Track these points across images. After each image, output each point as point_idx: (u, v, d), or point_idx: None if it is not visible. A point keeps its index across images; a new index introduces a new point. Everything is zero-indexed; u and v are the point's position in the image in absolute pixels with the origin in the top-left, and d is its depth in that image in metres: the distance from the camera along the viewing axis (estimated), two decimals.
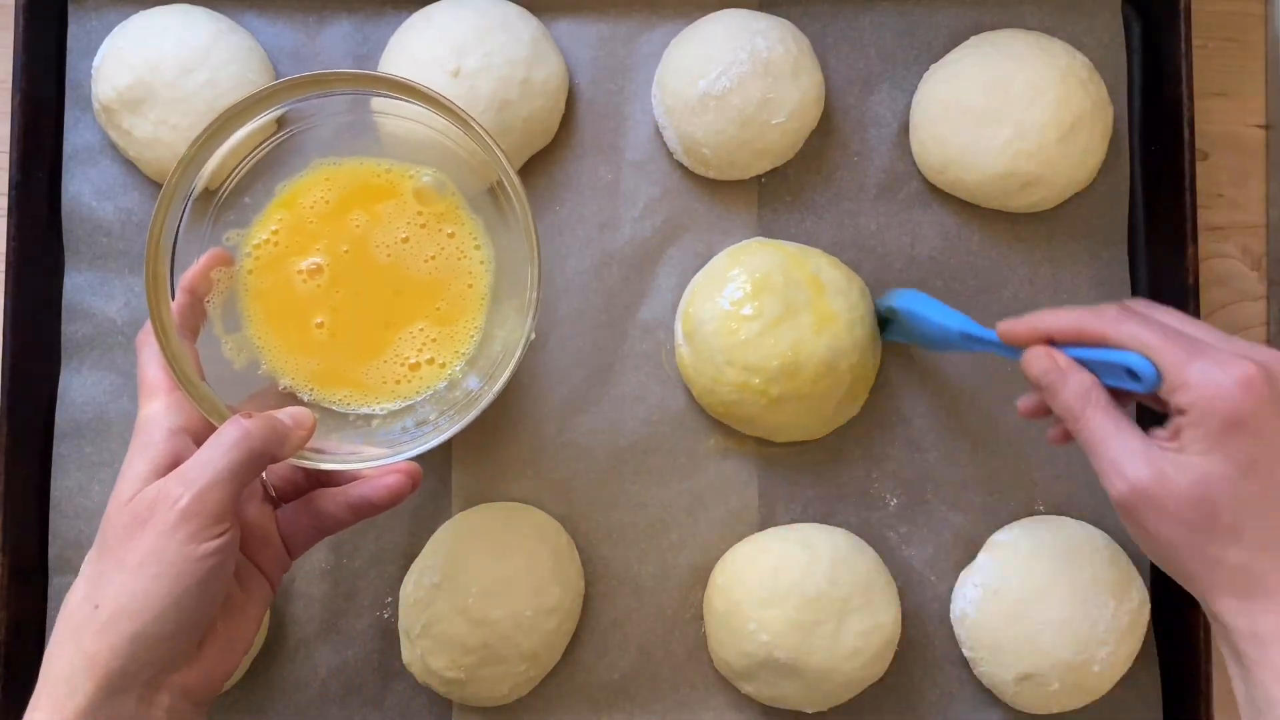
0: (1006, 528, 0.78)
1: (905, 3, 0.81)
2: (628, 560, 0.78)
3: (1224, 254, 0.83)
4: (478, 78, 0.76)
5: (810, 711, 0.77)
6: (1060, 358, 0.63)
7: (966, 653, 0.77)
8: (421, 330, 0.67)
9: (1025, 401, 0.69)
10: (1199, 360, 0.58)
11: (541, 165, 0.80)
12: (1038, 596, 0.74)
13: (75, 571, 0.77)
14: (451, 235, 0.68)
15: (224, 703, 0.77)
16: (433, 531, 0.78)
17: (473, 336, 0.68)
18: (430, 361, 0.67)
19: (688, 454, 0.79)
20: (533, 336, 0.64)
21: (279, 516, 0.64)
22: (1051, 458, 0.79)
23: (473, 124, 0.63)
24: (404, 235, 0.67)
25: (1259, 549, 0.57)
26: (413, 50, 0.77)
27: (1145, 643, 0.77)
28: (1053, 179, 0.78)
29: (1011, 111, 0.77)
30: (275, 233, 0.67)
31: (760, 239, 0.79)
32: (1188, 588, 0.60)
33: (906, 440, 0.79)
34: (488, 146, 0.64)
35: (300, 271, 0.66)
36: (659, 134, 0.80)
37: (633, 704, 0.78)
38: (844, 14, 0.81)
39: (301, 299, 0.66)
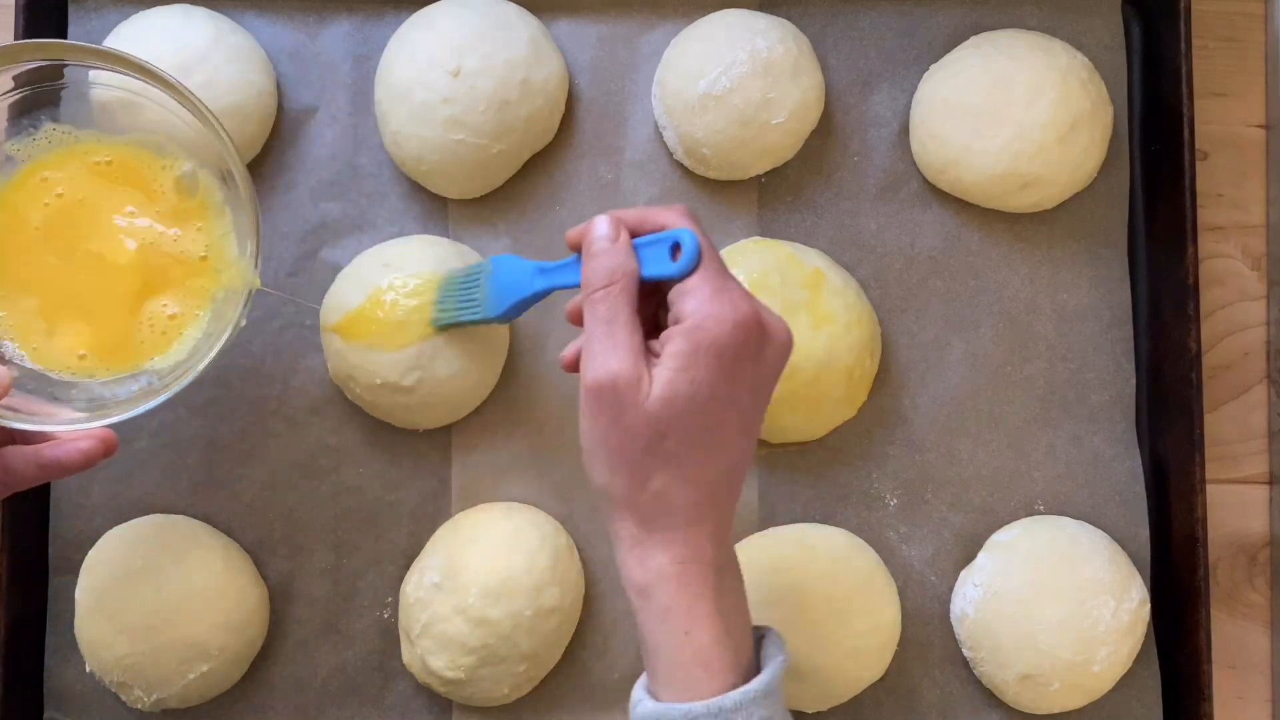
0: (1006, 528, 0.78)
1: (905, 3, 0.81)
2: None
3: (1224, 254, 0.83)
4: (478, 78, 0.76)
5: (810, 711, 0.77)
6: (621, 234, 0.61)
7: (966, 653, 0.77)
8: (146, 306, 0.68)
9: (568, 351, 0.67)
10: (718, 283, 0.58)
11: (541, 165, 0.80)
12: (1038, 596, 0.74)
13: (75, 571, 0.77)
14: (186, 210, 0.69)
15: (224, 702, 0.77)
16: (433, 531, 0.78)
17: (197, 315, 0.69)
18: (144, 339, 0.68)
19: None
20: (243, 324, 0.66)
21: None
22: (1051, 458, 0.79)
23: (193, 100, 0.65)
24: (136, 209, 0.68)
25: (687, 482, 0.58)
26: (413, 50, 0.77)
27: (1145, 643, 0.77)
28: (1053, 179, 0.78)
29: (1011, 111, 0.77)
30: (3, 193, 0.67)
31: (758, 238, 0.79)
32: (598, 498, 0.60)
33: (906, 440, 0.79)
34: (208, 121, 0.65)
35: (23, 233, 0.67)
36: (659, 134, 0.80)
37: None
38: (844, 14, 0.81)
39: (22, 260, 0.67)
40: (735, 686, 0.57)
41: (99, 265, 0.68)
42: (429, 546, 0.77)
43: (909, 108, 0.81)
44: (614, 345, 0.58)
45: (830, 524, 0.78)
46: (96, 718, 0.78)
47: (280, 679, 0.78)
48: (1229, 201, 0.83)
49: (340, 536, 0.79)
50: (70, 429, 0.65)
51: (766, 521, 0.79)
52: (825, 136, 0.81)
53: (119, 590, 0.74)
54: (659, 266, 0.59)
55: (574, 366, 0.66)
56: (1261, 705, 0.81)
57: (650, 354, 0.58)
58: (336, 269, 0.79)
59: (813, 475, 0.79)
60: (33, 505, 0.78)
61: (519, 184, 0.80)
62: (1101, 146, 0.79)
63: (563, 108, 0.80)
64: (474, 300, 0.71)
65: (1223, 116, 0.84)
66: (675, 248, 0.59)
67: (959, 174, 0.78)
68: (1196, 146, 0.78)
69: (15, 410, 0.64)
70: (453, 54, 0.76)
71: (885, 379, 0.80)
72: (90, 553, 0.77)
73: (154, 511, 0.78)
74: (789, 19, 0.80)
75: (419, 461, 0.79)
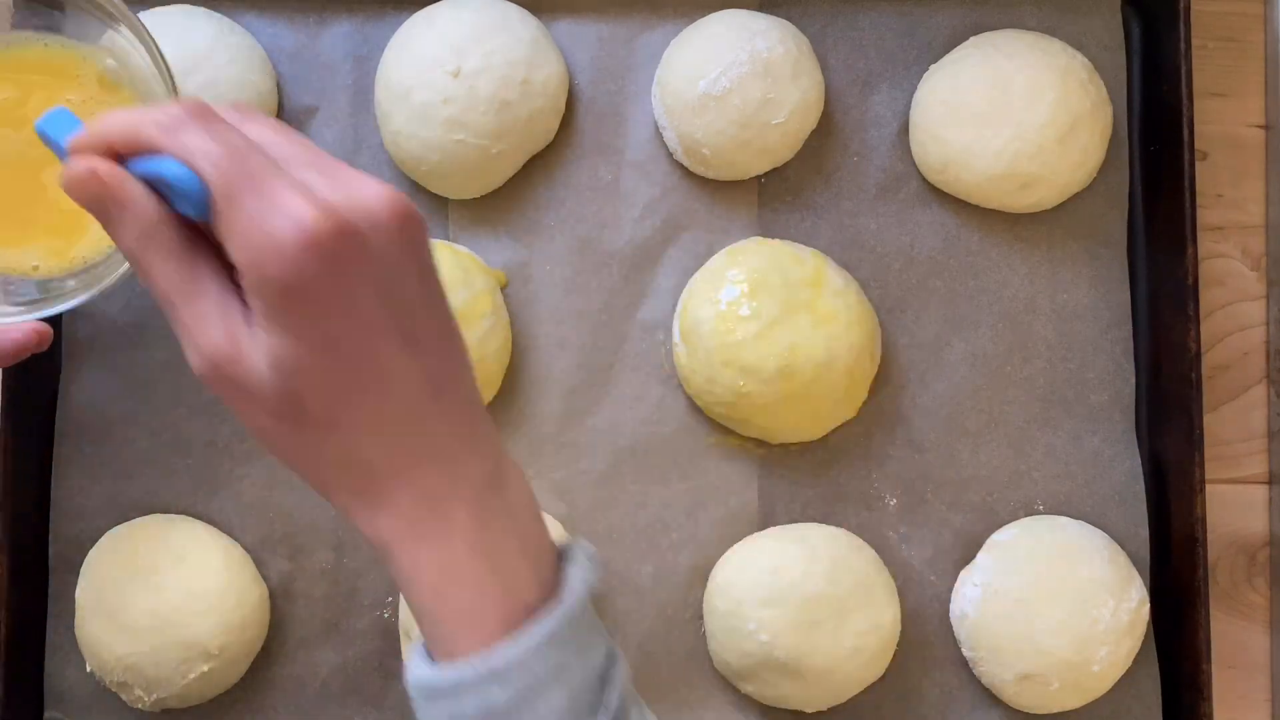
0: (1006, 528, 0.78)
1: (905, 3, 0.81)
2: (628, 560, 0.78)
3: (1224, 254, 0.83)
4: (478, 78, 0.76)
5: (810, 711, 0.77)
6: (115, 175, 0.46)
7: (966, 653, 0.77)
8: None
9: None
10: (255, 198, 0.43)
11: (541, 165, 0.80)
12: (1038, 596, 0.74)
13: (75, 571, 0.77)
14: (114, 105, 0.68)
15: (224, 702, 0.77)
16: None
17: None
18: (74, 236, 0.68)
19: (687, 454, 0.79)
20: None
21: None
22: (1051, 458, 0.79)
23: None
24: (72, 103, 0.67)
25: (363, 434, 0.47)
26: (413, 50, 0.77)
27: (1145, 643, 0.77)
28: (1053, 179, 0.78)
29: (1011, 111, 0.77)
30: None
31: (758, 238, 0.79)
32: (309, 485, 0.49)
33: (906, 440, 0.79)
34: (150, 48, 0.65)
35: None
36: (659, 134, 0.80)
37: None
38: (844, 14, 0.81)
39: None
40: (513, 632, 0.47)
41: (27, 166, 0.67)
42: None
43: (909, 108, 0.81)
44: (191, 319, 0.46)
45: (830, 524, 0.78)
46: (96, 718, 0.78)
47: (280, 679, 0.78)
48: (1229, 201, 0.83)
49: (340, 536, 0.79)
50: (3, 322, 0.66)
51: (766, 521, 0.79)
52: (825, 136, 0.81)
53: (119, 590, 0.74)
54: (182, 203, 0.46)
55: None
56: (1261, 705, 0.81)
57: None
58: None
59: (813, 475, 0.79)
60: (33, 505, 0.78)
61: (519, 184, 0.80)
62: (1101, 146, 0.79)
63: (563, 108, 0.80)
64: None
65: (1223, 116, 0.84)
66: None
67: (959, 174, 0.78)
68: (1196, 146, 0.78)
69: None
70: (453, 54, 0.76)
71: (885, 379, 0.80)
72: (90, 553, 0.77)
73: (154, 511, 0.78)
74: (789, 19, 0.80)
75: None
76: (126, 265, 0.65)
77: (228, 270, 0.46)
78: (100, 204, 0.46)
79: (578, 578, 0.50)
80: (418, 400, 0.47)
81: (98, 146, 0.46)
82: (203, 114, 0.46)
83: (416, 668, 0.49)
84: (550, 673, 0.47)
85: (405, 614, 0.76)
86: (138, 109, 0.47)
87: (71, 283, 0.68)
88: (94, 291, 0.66)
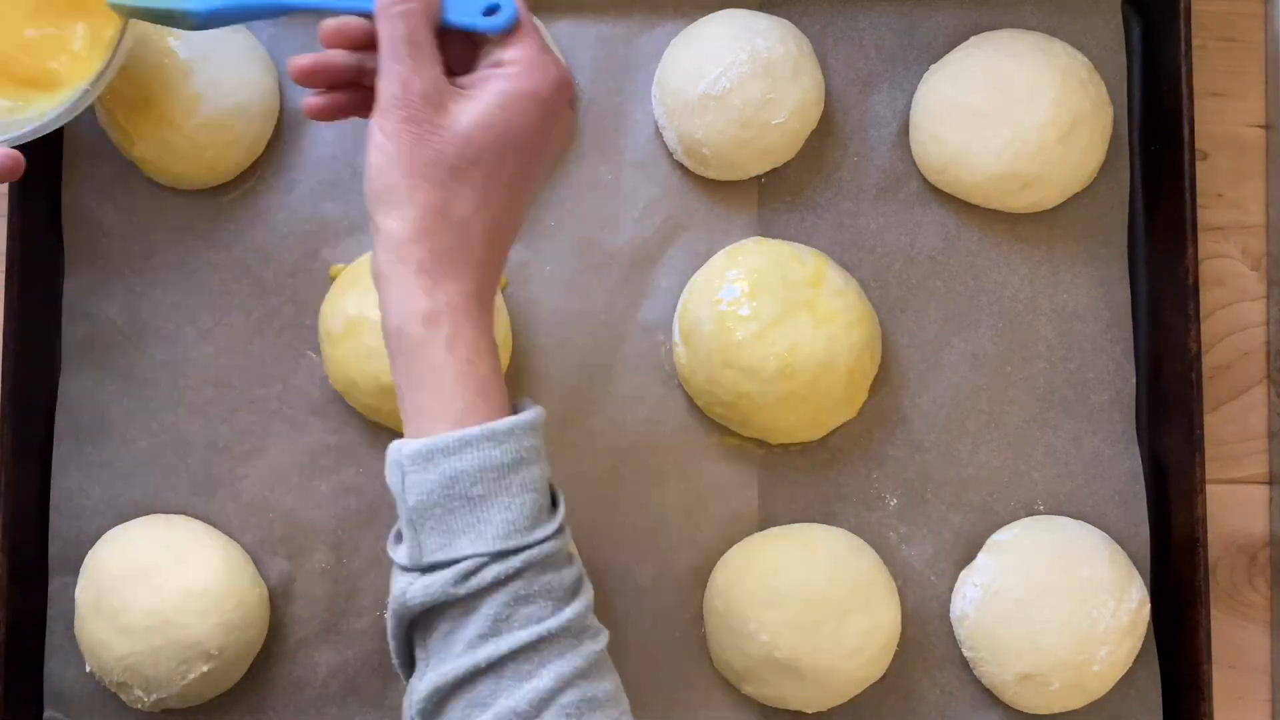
0: (1006, 528, 0.78)
1: (905, 3, 0.81)
2: (627, 561, 0.78)
3: (1224, 254, 0.83)
4: None
5: (810, 711, 0.77)
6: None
7: (966, 653, 0.77)
8: (55, 35, 0.70)
9: (315, 99, 0.64)
10: (542, 43, 0.59)
11: None
12: (1038, 596, 0.74)
13: (75, 572, 0.77)
14: None
15: (224, 702, 0.77)
16: None
17: (106, 51, 0.70)
18: (56, 70, 0.70)
19: (688, 454, 0.79)
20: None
21: None
22: (1051, 458, 0.79)
23: None
24: None
25: (480, 213, 0.58)
26: None
27: (1145, 643, 0.77)
28: (1053, 179, 0.78)
29: (1011, 111, 0.77)
30: None
31: (758, 238, 0.79)
32: (385, 230, 0.58)
33: (906, 440, 0.79)
34: None
35: None
36: (659, 134, 0.80)
37: (633, 704, 0.78)
38: (844, 14, 0.81)
39: None
40: (507, 416, 0.57)
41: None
42: None
43: (909, 108, 0.81)
44: (420, 60, 0.57)
45: (830, 524, 0.78)
46: (96, 718, 0.78)
47: (280, 679, 0.78)
48: (1229, 201, 0.83)
49: (340, 536, 0.79)
50: None
51: (766, 521, 0.79)
52: (825, 136, 0.81)
53: (119, 590, 0.74)
54: (466, 15, 0.58)
55: (320, 112, 0.64)
56: (1261, 705, 0.81)
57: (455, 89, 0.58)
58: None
59: (813, 475, 0.79)
60: (33, 505, 0.78)
61: None
62: (1101, 146, 0.79)
63: None
64: None
65: (1223, 116, 0.84)
66: (491, 10, 0.58)
67: (959, 174, 0.78)
68: (1196, 146, 0.78)
69: None
70: None
71: (885, 379, 0.80)
72: (90, 553, 0.77)
73: (154, 511, 0.78)
74: (789, 19, 0.80)
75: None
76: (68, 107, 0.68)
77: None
78: None
79: (535, 407, 0.59)
80: (513, 225, 0.60)
81: None
82: None
83: (407, 447, 0.56)
84: (534, 451, 0.57)
85: None
86: None
87: (31, 128, 0.69)
88: (55, 115, 0.68)
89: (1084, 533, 0.77)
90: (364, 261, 0.78)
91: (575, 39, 0.81)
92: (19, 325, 0.77)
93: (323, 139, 0.80)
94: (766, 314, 0.75)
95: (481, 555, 0.55)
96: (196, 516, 0.78)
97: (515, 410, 0.59)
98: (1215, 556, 0.80)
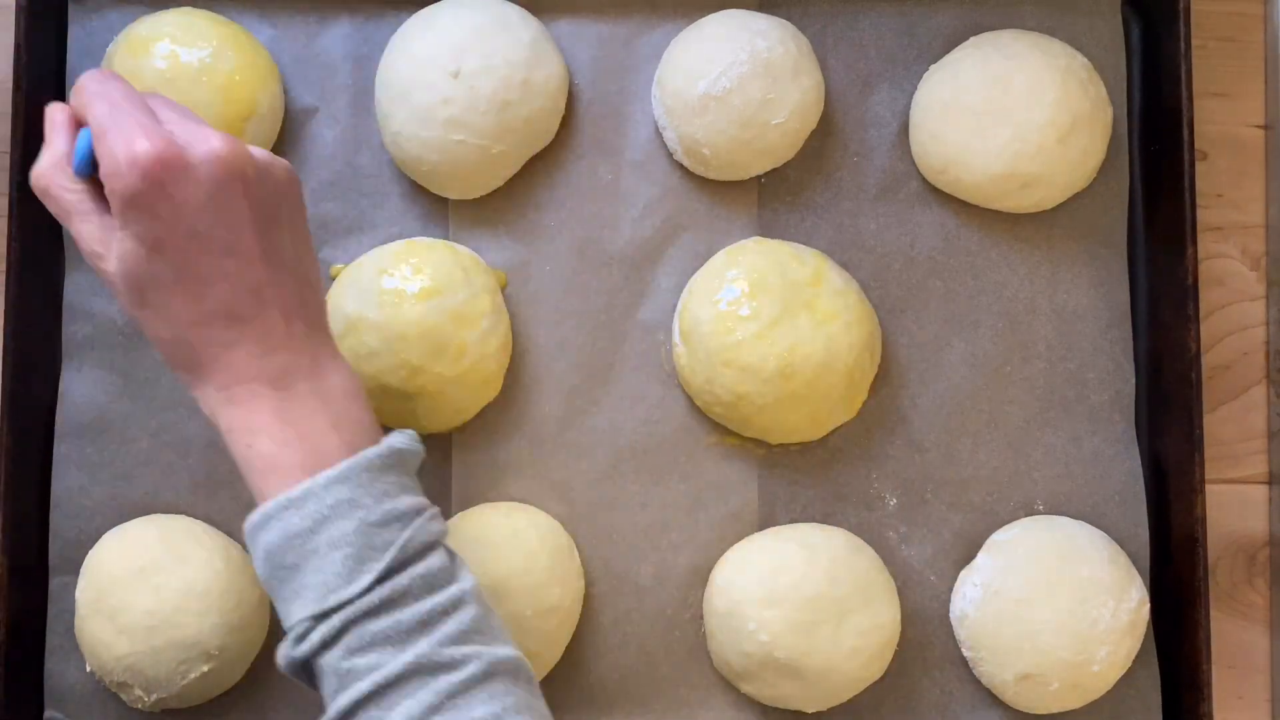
0: (1006, 528, 0.78)
1: (905, 3, 0.81)
2: (628, 560, 0.78)
3: (1224, 254, 0.83)
4: (478, 78, 0.76)
5: (810, 711, 0.77)
6: (60, 115, 0.63)
7: (966, 653, 0.77)
8: None
9: None
10: (111, 135, 0.58)
11: (541, 165, 0.80)
12: (1038, 596, 0.74)
13: (75, 572, 0.77)
14: None
15: (224, 702, 0.77)
16: None
17: None
18: None
19: (687, 454, 0.79)
20: None
21: None
22: (1051, 458, 0.79)
23: None
24: None
25: (186, 322, 0.60)
26: (413, 51, 0.77)
27: (1145, 643, 0.77)
28: (1053, 179, 0.78)
29: (1011, 111, 0.77)
30: None
31: (758, 238, 0.79)
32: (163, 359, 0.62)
33: (906, 440, 0.79)
34: None
35: None
36: (659, 134, 0.80)
37: (633, 704, 0.78)
38: (844, 14, 0.81)
39: None
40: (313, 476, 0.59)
41: None
42: None
43: (909, 108, 0.81)
44: (82, 228, 0.61)
45: (830, 524, 0.78)
46: (96, 718, 0.78)
47: (280, 679, 0.78)
48: (1229, 201, 0.83)
49: None
50: None
51: (766, 521, 0.79)
52: (825, 136, 0.81)
53: (119, 590, 0.74)
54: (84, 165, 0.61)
55: None
56: (1261, 705, 0.81)
57: None
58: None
59: (813, 475, 0.79)
60: (33, 505, 0.78)
61: (519, 184, 0.80)
62: (1101, 146, 0.79)
63: (563, 108, 0.80)
64: None
65: (1223, 116, 0.84)
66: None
67: (959, 174, 0.78)
68: (1196, 146, 0.78)
69: None
70: (453, 55, 0.76)
71: (885, 379, 0.80)
72: (90, 553, 0.77)
73: (154, 511, 0.78)
74: (789, 19, 0.80)
75: None
76: None
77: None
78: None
79: (388, 442, 0.61)
80: (235, 300, 0.60)
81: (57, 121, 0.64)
82: (102, 79, 0.61)
83: (247, 523, 0.60)
84: (341, 505, 0.58)
85: None
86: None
87: None
88: None
89: (1084, 533, 0.77)
90: (364, 261, 0.78)
91: (575, 39, 0.81)
92: (19, 325, 0.77)
93: (323, 139, 0.81)
94: (766, 314, 0.75)
95: (305, 619, 0.58)
96: (196, 516, 0.78)
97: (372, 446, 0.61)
98: (1215, 556, 0.80)
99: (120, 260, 0.59)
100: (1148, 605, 0.76)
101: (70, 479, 0.79)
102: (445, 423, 0.78)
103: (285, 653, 0.59)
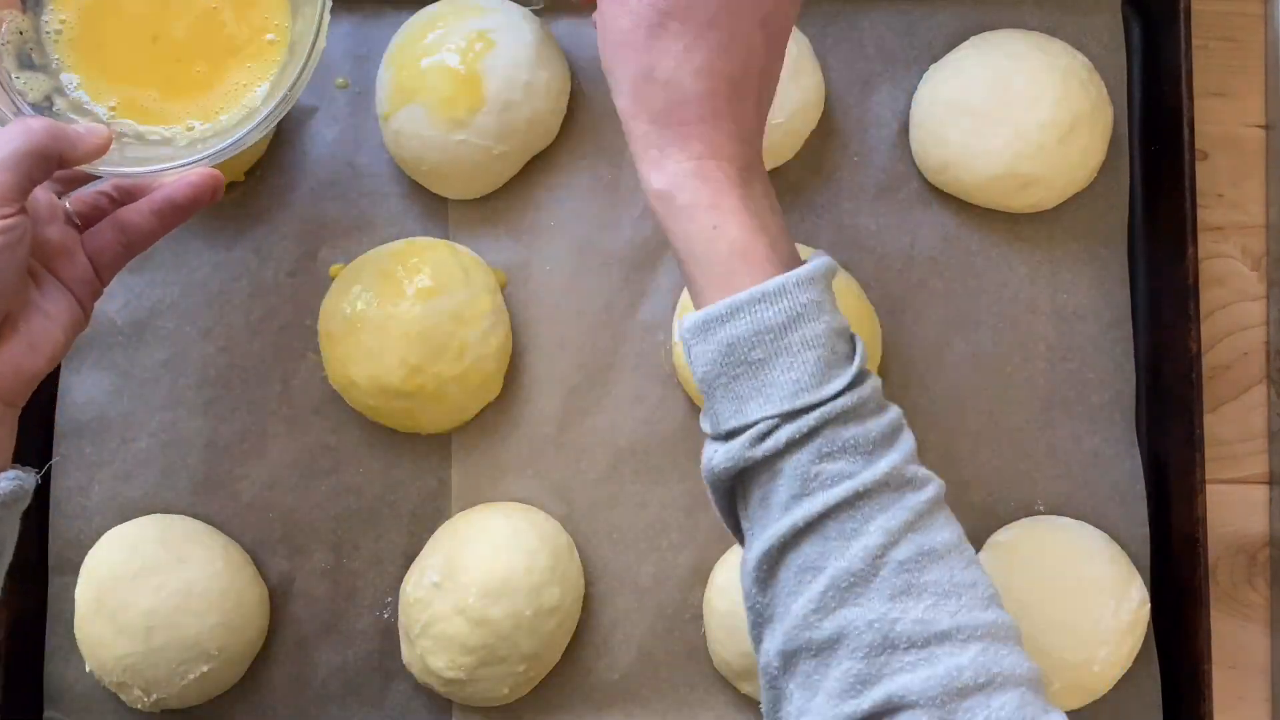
0: (1006, 528, 0.78)
1: (905, 3, 0.81)
2: (628, 560, 0.78)
3: (1224, 254, 0.83)
4: (480, 79, 0.76)
5: None
6: None
7: None
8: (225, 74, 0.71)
9: None
10: None
11: (543, 166, 0.80)
12: (1038, 596, 0.74)
13: (75, 571, 0.77)
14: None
15: (224, 702, 0.77)
16: (433, 531, 0.78)
17: (280, 55, 0.71)
18: (237, 84, 0.71)
19: (688, 454, 0.79)
20: (322, 44, 0.68)
21: (85, 239, 0.67)
22: (1051, 458, 0.79)
23: None
24: None
25: (693, 74, 0.56)
26: (414, 51, 0.77)
27: (1145, 643, 0.77)
28: (1053, 179, 0.78)
29: (1011, 111, 0.77)
30: None
31: None
32: (618, 107, 0.59)
33: None
34: None
35: (120, 19, 0.70)
36: None
37: (633, 704, 0.78)
38: (844, 14, 0.81)
39: (116, 29, 0.71)
40: (778, 272, 0.55)
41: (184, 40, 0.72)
42: (429, 546, 0.77)
43: (909, 108, 0.81)
44: None
45: None
46: (96, 718, 0.78)
47: (280, 679, 0.78)
48: (1229, 201, 0.83)
49: (340, 536, 0.79)
50: (169, 167, 0.67)
51: None
52: (825, 136, 0.81)
53: (119, 590, 0.74)
54: None
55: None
56: (1261, 705, 0.81)
57: None
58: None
59: None
60: (33, 505, 0.78)
61: (519, 184, 0.80)
62: (1101, 146, 0.79)
63: (565, 109, 0.80)
64: None
65: (1223, 116, 0.84)
66: None
67: (958, 174, 0.78)
68: (1196, 146, 0.78)
69: (117, 164, 0.67)
70: (455, 55, 0.76)
71: (885, 379, 0.80)
72: (90, 553, 0.77)
73: (154, 511, 0.78)
74: None
75: (419, 462, 0.79)
76: (263, 119, 0.67)
77: None
78: None
79: (821, 256, 0.57)
80: (744, 67, 0.57)
81: None
82: None
83: (688, 319, 0.56)
84: (813, 304, 0.55)
85: (405, 615, 0.76)
86: None
87: (216, 140, 0.69)
88: (250, 131, 0.67)
89: (1084, 533, 0.77)
90: (363, 261, 0.78)
91: (575, 39, 0.81)
92: None
93: (323, 139, 0.81)
94: None
95: (771, 417, 0.54)
96: (196, 516, 0.78)
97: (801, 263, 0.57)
98: (1215, 556, 0.80)
99: None
100: (1148, 605, 0.76)
101: (70, 479, 0.79)
102: (445, 423, 0.78)
103: (736, 452, 0.55)
